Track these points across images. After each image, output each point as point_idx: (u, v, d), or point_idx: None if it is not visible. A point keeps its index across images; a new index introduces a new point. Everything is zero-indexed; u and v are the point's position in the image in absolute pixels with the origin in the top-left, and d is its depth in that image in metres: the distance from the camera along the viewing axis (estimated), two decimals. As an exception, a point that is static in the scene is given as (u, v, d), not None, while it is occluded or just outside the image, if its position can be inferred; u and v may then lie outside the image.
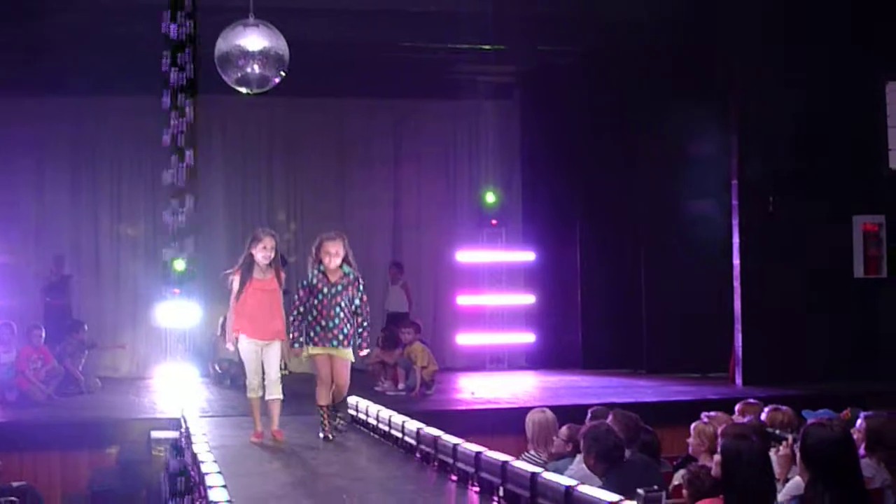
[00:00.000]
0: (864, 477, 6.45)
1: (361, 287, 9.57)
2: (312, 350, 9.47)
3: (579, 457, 8.34)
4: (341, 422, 9.89)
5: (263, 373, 9.43)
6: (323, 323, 9.41)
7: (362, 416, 10.29)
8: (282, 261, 9.98)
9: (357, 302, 9.50)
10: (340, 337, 9.41)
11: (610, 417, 9.12)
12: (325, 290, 9.43)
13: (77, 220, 18.62)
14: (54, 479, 12.28)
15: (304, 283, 9.51)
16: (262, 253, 9.34)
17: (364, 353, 9.73)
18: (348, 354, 9.50)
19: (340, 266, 9.45)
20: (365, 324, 9.58)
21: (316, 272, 9.45)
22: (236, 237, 17.76)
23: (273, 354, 9.44)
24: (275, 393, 9.41)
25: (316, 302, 9.43)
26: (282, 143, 19.21)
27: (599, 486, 6.70)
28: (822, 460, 5.42)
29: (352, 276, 9.50)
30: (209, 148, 17.74)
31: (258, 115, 18.49)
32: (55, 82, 16.78)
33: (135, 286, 18.36)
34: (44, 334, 15.37)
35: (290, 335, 9.53)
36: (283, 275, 9.63)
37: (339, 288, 9.44)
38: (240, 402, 13.48)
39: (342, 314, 9.42)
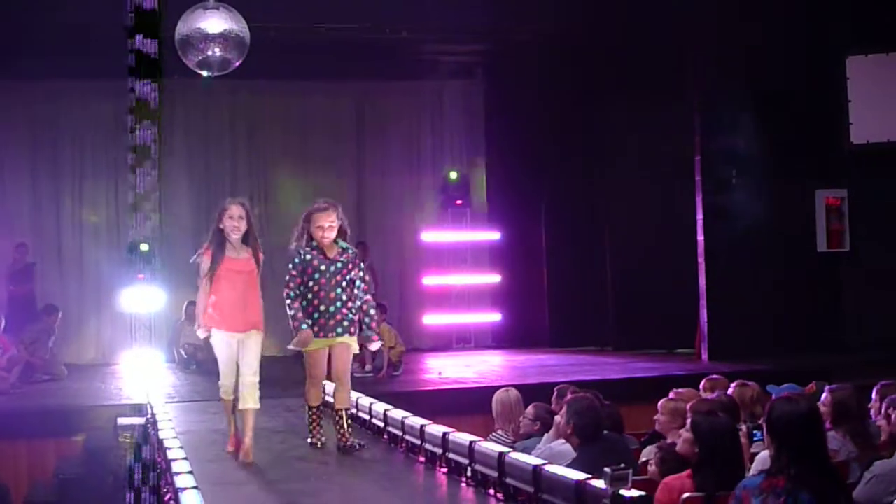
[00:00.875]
0: (831, 450, 6.49)
1: (362, 266, 8.26)
2: (310, 344, 8.00)
3: (547, 436, 8.35)
4: (356, 442, 8.06)
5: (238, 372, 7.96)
6: (322, 308, 7.94)
7: (329, 399, 10.27)
8: None
9: (359, 283, 8.09)
10: (346, 324, 8.00)
11: (554, 396, 9.15)
12: (323, 268, 7.98)
13: (38, 205, 18.47)
14: (20, 468, 12.19)
15: (297, 260, 7.99)
16: (231, 224, 7.90)
17: (375, 346, 8.35)
18: (351, 341, 8.06)
19: (335, 241, 8.06)
20: (372, 311, 8.22)
21: (308, 248, 8.01)
22: (200, 222, 17.66)
23: (250, 351, 7.93)
24: (249, 401, 7.86)
25: (312, 283, 7.96)
26: (244, 126, 19.12)
27: (568, 465, 6.72)
28: (787, 434, 5.43)
29: (351, 253, 8.13)
30: (171, 131, 17.58)
31: (220, 97, 18.38)
32: (10, 64, 16.60)
33: (98, 272, 18.25)
34: (4, 322, 15.25)
35: (292, 321, 7.97)
36: (261, 254, 8.07)
37: (340, 265, 8.02)
38: (205, 388, 13.44)
39: (345, 297, 8.01)
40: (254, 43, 11.01)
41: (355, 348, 8.12)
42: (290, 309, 7.96)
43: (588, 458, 7.15)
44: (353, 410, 9.31)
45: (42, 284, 17.80)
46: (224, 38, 10.60)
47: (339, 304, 7.98)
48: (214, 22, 10.56)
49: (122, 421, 11.44)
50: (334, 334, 7.97)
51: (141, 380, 14.07)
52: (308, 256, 8.00)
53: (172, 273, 14.87)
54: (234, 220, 7.94)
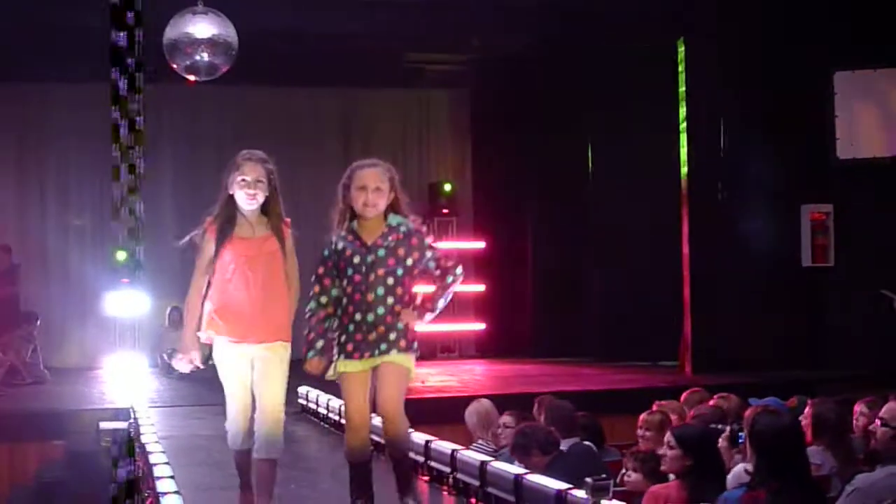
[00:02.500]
0: (813, 464, 6.51)
1: (426, 241, 5.87)
2: (343, 365, 5.76)
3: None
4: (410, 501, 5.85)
5: (253, 407, 5.87)
6: (358, 318, 5.71)
7: (312, 406, 10.27)
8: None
9: (428, 254, 5.83)
10: (393, 336, 5.73)
11: (535, 407, 9.12)
12: (358, 259, 5.74)
13: (23, 207, 18.42)
14: (2, 471, 12.15)
15: (326, 252, 5.85)
16: (245, 190, 5.92)
17: (428, 317, 5.94)
18: (404, 360, 5.76)
19: (385, 216, 5.87)
20: (450, 278, 5.88)
21: (343, 232, 5.86)
22: (184, 225, 17.65)
23: (273, 372, 5.86)
24: (272, 450, 5.85)
25: (346, 283, 5.75)
26: (231, 132, 19.08)
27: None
28: (769, 447, 5.45)
29: (404, 229, 5.81)
30: (157, 136, 17.57)
31: (207, 103, 18.36)
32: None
33: (82, 275, 18.19)
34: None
35: (306, 337, 5.80)
36: (289, 231, 6.03)
37: (382, 253, 5.75)
38: (189, 392, 13.45)
39: (391, 299, 5.74)
40: (241, 48, 11.02)
41: (410, 369, 5.80)
42: (308, 323, 5.83)
43: (557, 476, 7.14)
44: (336, 417, 9.26)
45: (26, 287, 17.73)
46: (212, 43, 10.62)
47: (381, 310, 5.71)
48: (202, 27, 10.59)
49: (104, 425, 11.41)
50: (377, 352, 5.71)
51: (124, 384, 14.06)
52: (340, 245, 5.81)
53: (156, 277, 14.83)
54: (249, 186, 5.96)
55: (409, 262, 5.79)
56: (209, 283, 5.93)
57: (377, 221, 5.81)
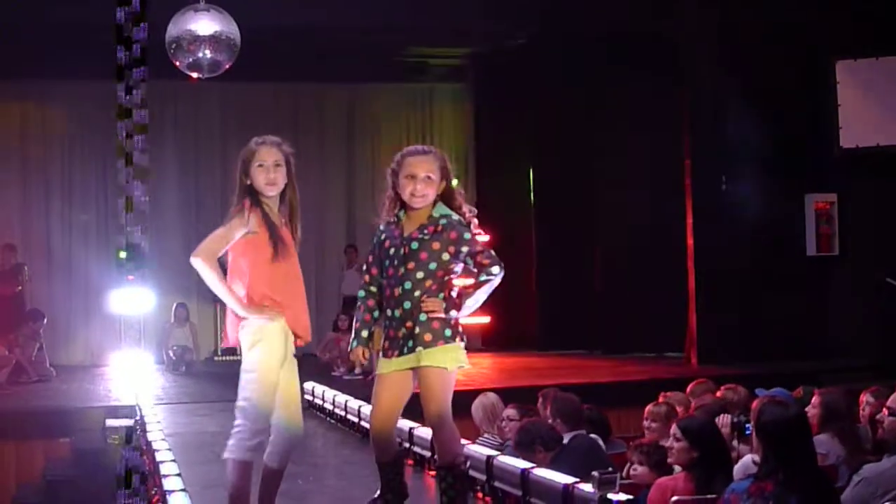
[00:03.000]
0: (820, 453, 6.51)
1: (467, 235, 5.43)
2: (379, 365, 5.56)
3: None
4: None
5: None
6: (389, 313, 5.46)
7: (318, 402, 10.27)
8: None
9: (464, 249, 5.41)
10: (419, 332, 5.36)
11: (539, 401, 9.11)
12: (393, 250, 5.46)
13: (27, 205, 18.44)
14: (8, 469, 12.16)
15: (374, 240, 5.62)
16: (265, 175, 5.52)
17: (462, 312, 5.47)
18: (439, 359, 5.36)
19: (433, 205, 5.48)
20: (483, 276, 5.48)
21: (390, 219, 5.56)
22: (189, 224, 17.74)
23: (295, 372, 5.56)
24: (286, 456, 5.55)
25: (382, 275, 5.53)
26: (234, 129, 19.10)
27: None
28: (777, 438, 5.45)
29: (444, 222, 5.42)
30: (161, 134, 17.58)
31: (210, 99, 18.38)
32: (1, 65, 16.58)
33: (87, 273, 18.22)
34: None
35: (353, 324, 5.65)
36: (299, 228, 5.66)
37: (416, 246, 5.41)
38: (194, 390, 13.47)
39: (418, 292, 5.37)
40: (244, 45, 11.01)
41: (447, 364, 5.39)
42: (357, 313, 5.61)
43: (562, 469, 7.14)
44: (342, 412, 9.27)
45: (31, 285, 17.76)
46: (214, 40, 10.61)
47: (407, 304, 5.37)
48: (205, 24, 10.57)
49: (110, 423, 11.43)
50: (406, 349, 5.39)
51: (130, 381, 14.08)
52: (382, 236, 5.54)
53: (161, 274, 14.84)
54: (268, 171, 5.55)
55: (446, 256, 5.40)
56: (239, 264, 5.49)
57: (423, 212, 5.44)
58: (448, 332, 5.38)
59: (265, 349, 5.31)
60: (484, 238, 5.91)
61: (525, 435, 7.55)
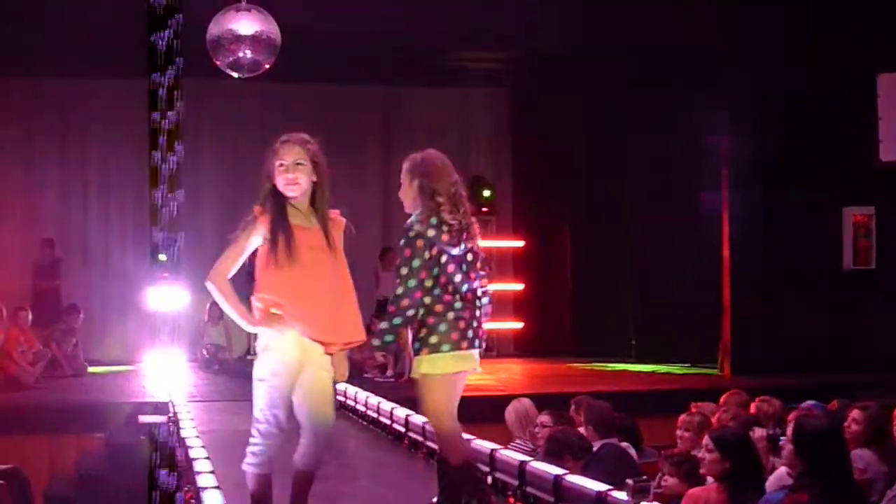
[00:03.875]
0: (858, 468, 6.47)
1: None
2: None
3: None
4: None
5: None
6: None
7: (351, 403, 10.28)
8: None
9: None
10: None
11: (572, 408, 9.10)
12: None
13: (66, 200, 18.57)
14: (41, 462, 12.24)
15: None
16: (285, 175, 5.26)
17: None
18: (417, 367, 5.57)
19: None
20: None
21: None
22: (225, 223, 17.73)
23: (327, 379, 5.32)
24: (312, 454, 5.40)
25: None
26: (272, 129, 19.04)
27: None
28: (814, 451, 5.43)
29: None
30: (199, 132, 17.67)
31: (249, 99, 18.42)
32: (42, 60, 16.66)
33: (123, 269, 18.30)
34: (31, 316, 15.32)
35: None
36: (342, 218, 5.47)
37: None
38: (227, 388, 13.50)
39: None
40: (284, 45, 11.05)
41: (424, 373, 5.54)
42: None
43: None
44: (374, 414, 9.26)
45: (68, 281, 17.88)
46: (255, 40, 10.65)
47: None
48: (246, 24, 10.61)
49: (143, 419, 11.49)
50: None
51: (163, 378, 14.15)
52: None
53: (196, 273, 14.87)
54: (288, 170, 5.27)
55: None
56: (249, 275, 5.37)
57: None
58: (416, 345, 5.52)
59: (272, 357, 5.21)
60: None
61: (554, 444, 7.56)
